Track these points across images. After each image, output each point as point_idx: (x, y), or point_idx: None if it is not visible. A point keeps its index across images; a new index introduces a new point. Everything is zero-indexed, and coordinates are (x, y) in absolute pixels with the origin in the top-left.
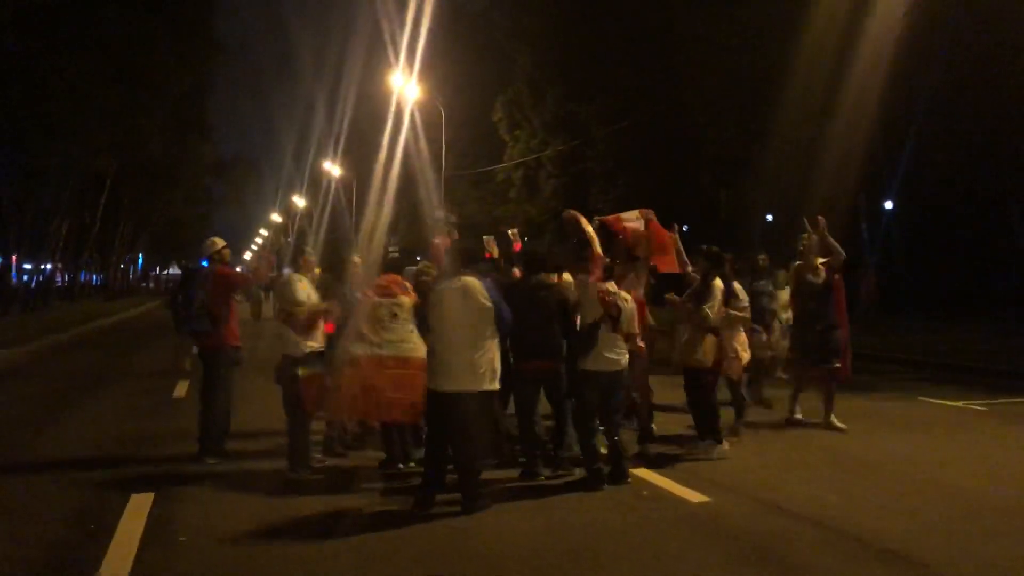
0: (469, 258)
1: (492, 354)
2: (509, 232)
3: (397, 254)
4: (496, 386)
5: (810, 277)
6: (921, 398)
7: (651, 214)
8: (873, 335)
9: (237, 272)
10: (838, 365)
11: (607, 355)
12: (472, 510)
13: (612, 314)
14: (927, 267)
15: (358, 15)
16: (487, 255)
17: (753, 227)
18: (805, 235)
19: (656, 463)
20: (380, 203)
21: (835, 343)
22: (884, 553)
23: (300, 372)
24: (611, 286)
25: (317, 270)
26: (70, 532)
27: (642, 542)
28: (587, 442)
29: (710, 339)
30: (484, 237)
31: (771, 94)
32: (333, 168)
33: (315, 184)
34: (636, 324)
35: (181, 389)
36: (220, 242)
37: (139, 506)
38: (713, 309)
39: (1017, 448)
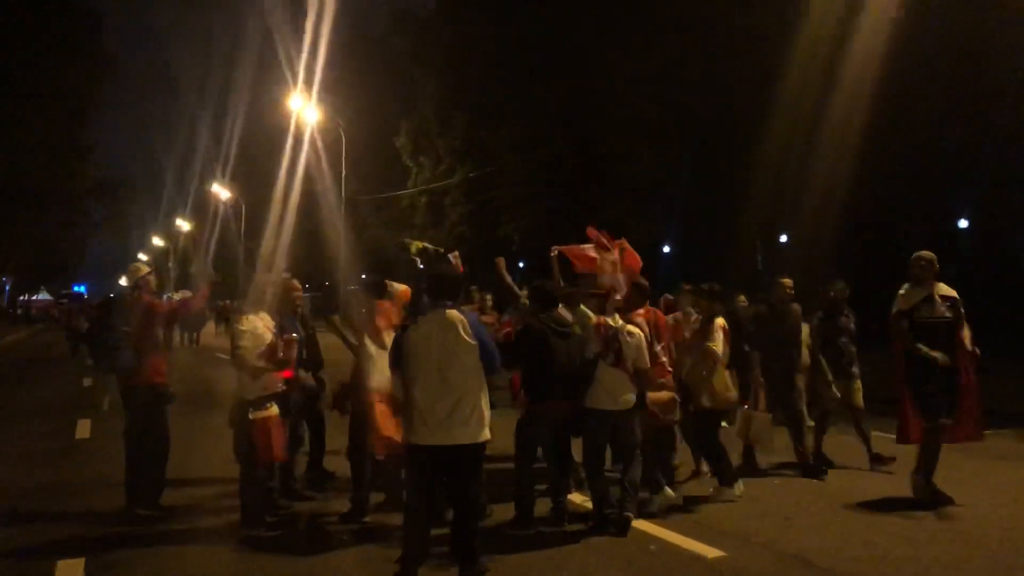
0: (448, 285)
1: (481, 399)
2: (451, 256)
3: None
4: (487, 436)
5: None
6: (876, 432)
7: (624, 243)
8: None
9: (165, 302)
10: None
11: (615, 394)
12: (473, 574)
13: (612, 349)
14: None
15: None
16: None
17: (658, 257)
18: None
19: (653, 513)
20: (278, 227)
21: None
22: None
23: (252, 416)
24: (614, 319)
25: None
26: None
27: None
28: (594, 483)
29: (722, 377)
30: (451, 255)
31: (687, 124)
32: (221, 191)
33: (201, 207)
34: (646, 358)
35: (84, 429)
36: (145, 268)
37: (70, 574)
38: (718, 347)
39: (1002, 487)
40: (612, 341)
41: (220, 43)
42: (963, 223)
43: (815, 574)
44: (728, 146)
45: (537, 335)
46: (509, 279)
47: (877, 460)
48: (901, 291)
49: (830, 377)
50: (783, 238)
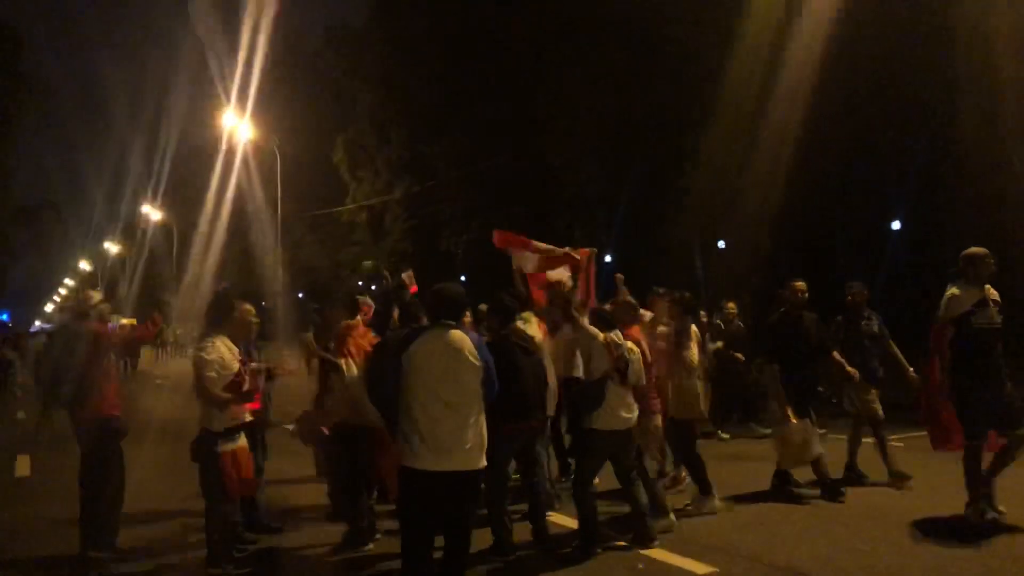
0: (452, 306)
1: (482, 424)
2: (403, 275)
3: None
4: (484, 463)
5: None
6: (831, 435)
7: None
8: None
9: (115, 331)
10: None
11: (620, 413)
12: None
13: (620, 367)
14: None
15: (181, 53)
16: (412, 290)
17: (600, 266)
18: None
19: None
20: (207, 247)
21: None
22: None
23: (220, 448)
24: (617, 336)
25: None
26: None
27: None
28: (586, 507)
29: (693, 387)
30: (404, 274)
31: (627, 137)
32: (152, 212)
33: (130, 230)
34: (643, 376)
35: (24, 465)
36: (96, 295)
37: None
38: (693, 354)
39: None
40: (620, 360)
41: (150, 61)
42: (896, 224)
43: None
44: (668, 155)
45: (505, 352)
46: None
47: (898, 478)
48: (950, 293)
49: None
50: (721, 244)
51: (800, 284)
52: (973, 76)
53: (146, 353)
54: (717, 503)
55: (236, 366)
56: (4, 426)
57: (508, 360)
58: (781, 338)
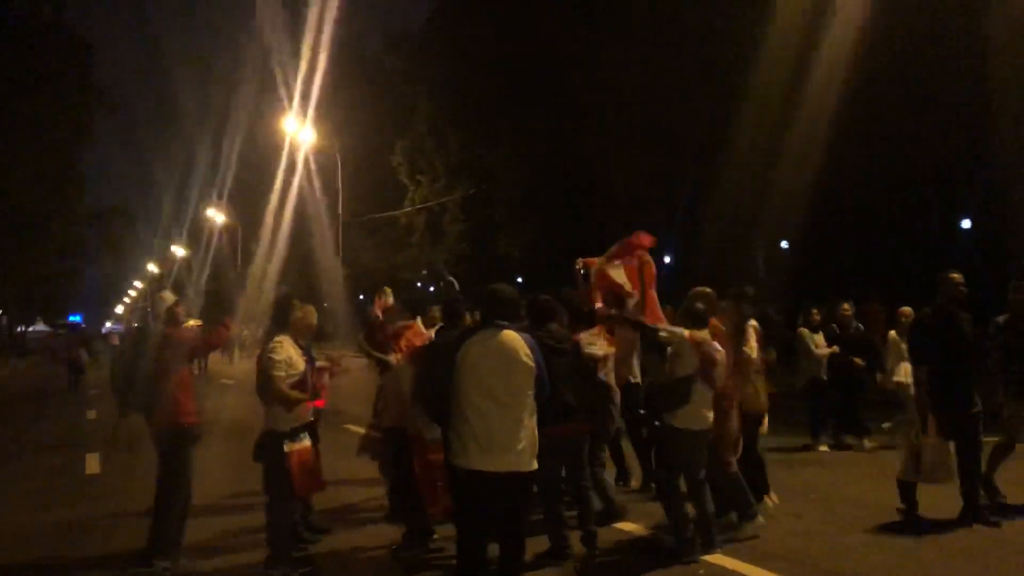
0: (506, 307)
1: (534, 426)
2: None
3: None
4: (535, 465)
5: None
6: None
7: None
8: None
9: (188, 335)
10: None
11: (704, 412)
12: None
13: (707, 367)
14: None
15: (246, 60)
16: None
17: (660, 268)
18: None
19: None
20: (270, 250)
21: None
22: None
23: (288, 448)
24: (705, 335)
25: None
26: None
27: None
28: (677, 507)
29: (759, 385)
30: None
31: (685, 139)
32: (217, 215)
33: (196, 233)
34: (724, 376)
35: (93, 463)
36: (171, 297)
37: None
38: (753, 351)
39: None
40: (708, 359)
41: (215, 68)
42: (966, 223)
43: None
44: (728, 154)
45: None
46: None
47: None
48: None
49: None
50: (784, 244)
51: (957, 276)
52: None
53: (213, 355)
54: (769, 504)
55: (302, 365)
56: (75, 425)
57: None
58: (933, 337)
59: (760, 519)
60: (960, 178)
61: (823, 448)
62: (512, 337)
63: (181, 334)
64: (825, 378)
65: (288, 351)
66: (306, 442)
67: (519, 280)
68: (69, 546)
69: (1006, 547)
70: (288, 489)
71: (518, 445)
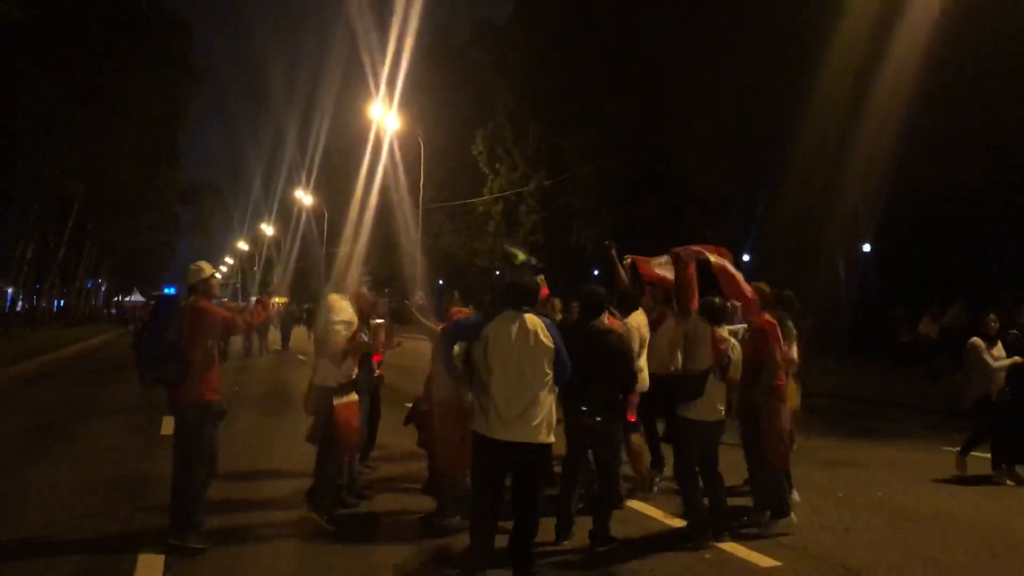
0: (527, 295)
1: (551, 403)
2: (537, 279)
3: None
4: (552, 439)
5: None
6: (943, 447)
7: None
8: (859, 377)
9: (221, 309)
10: None
11: (717, 405)
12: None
13: (723, 363)
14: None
15: (334, 45)
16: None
17: (738, 266)
18: None
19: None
20: (355, 233)
21: None
22: None
23: (336, 402)
24: (724, 332)
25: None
26: None
27: None
28: (692, 495)
29: (791, 385)
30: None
31: (765, 136)
32: (304, 197)
33: (284, 213)
34: (740, 372)
35: (168, 425)
36: (208, 268)
37: (151, 566)
38: (792, 351)
39: None
40: (724, 355)
41: (306, 51)
42: None
43: None
44: (806, 154)
45: (576, 342)
46: (620, 266)
47: None
48: None
49: None
50: (865, 247)
51: None
52: None
53: (298, 332)
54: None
55: (356, 322)
56: (157, 390)
57: (577, 351)
58: None
59: (793, 518)
60: None
61: (1010, 482)
62: (532, 319)
63: (212, 308)
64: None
65: (348, 310)
66: (353, 398)
67: (595, 272)
68: (134, 499)
69: None
70: (334, 441)
71: (534, 419)
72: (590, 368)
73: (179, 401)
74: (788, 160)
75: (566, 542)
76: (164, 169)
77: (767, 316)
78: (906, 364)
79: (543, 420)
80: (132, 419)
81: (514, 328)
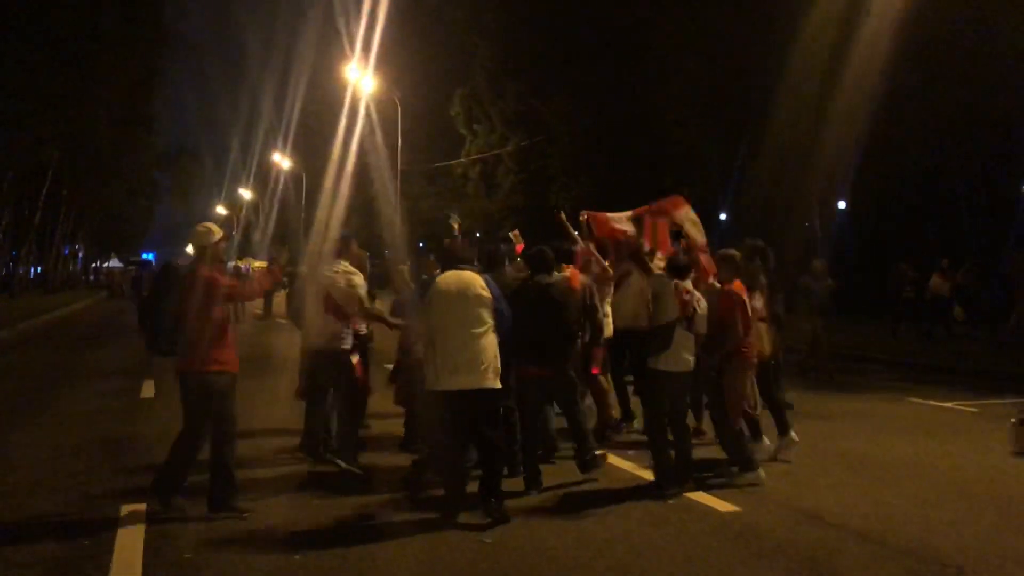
0: (456, 257)
1: (495, 350)
2: (511, 234)
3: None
4: (499, 384)
5: None
6: (910, 399)
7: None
8: (841, 334)
9: (228, 277)
10: None
11: (685, 356)
12: (498, 519)
13: (688, 315)
14: (878, 267)
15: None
16: (518, 248)
17: (715, 225)
18: None
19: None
20: (333, 196)
21: None
22: (946, 570)
23: (355, 360)
24: (688, 285)
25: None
26: (65, 551)
27: (686, 558)
28: (661, 446)
29: (764, 328)
30: (511, 232)
31: (742, 96)
32: (282, 160)
33: (263, 177)
34: (705, 326)
35: (148, 388)
36: (218, 231)
37: (133, 519)
38: (757, 301)
39: None
40: (688, 307)
41: (281, 12)
42: None
43: (823, 529)
44: (784, 112)
45: (524, 298)
46: (571, 229)
47: None
48: None
49: None
50: (841, 204)
51: None
52: None
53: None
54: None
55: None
56: (137, 354)
57: (521, 306)
58: None
59: (761, 472)
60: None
61: None
62: (469, 275)
63: (219, 276)
64: None
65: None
66: (356, 355)
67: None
68: (116, 457)
69: None
70: (354, 389)
71: (480, 366)
72: (537, 318)
73: (183, 371)
74: (764, 119)
75: (535, 491)
76: (140, 134)
77: (736, 284)
78: (914, 320)
79: (488, 366)
80: (112, 383)
81: (452, 284)
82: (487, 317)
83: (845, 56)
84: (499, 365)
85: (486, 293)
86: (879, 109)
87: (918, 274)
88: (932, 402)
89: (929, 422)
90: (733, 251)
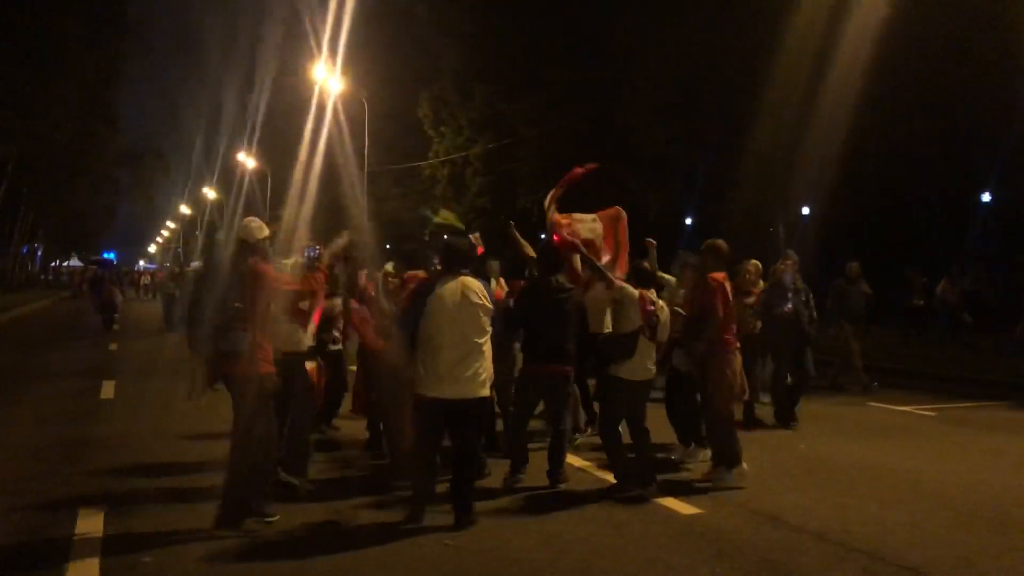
0: (463, 257)
1: (490, 359)
2: (471, 236)
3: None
4: (488, 392)
5: None
6: (870, 403)
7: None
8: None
9: (283, 275)
10: None
11: (647, 364)
12: (466, 524)
13: (651, 323)
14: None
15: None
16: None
17: (680, 230)
18: None
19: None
20: (300, 196)
21: None
22: (902, 571)
23: (310, 366)
24: (652, 294)
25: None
26: (21, 556)
27: (648, 560)
28: (617, 451)
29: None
30: (472, 235)
31: (707, 101)
32: (247, 160)
33: (227, 176)
34: (667, 334)
35: (108, 390)
36: (264, 228)
37: (91, 523)
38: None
39: (978, 453)
40: (651, 316)
41: (246, 11)
42: (986, 197)
43: (784, 531)
44: (750, 117)
45: (536, 297)
46: (523, 242)
47: None
48: None
49: None
50: (804, 210)
51: None
52: None
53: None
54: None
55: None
56: (97, 355)
57: (533, 307)
58: None
59: (744, 467)
60: (980, 154)
61: None
62: (471, 282)
63: (270, 271)
64: None
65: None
66: (314, 361)
67: (542, 236)
68: (74, 460)
69: None
70: (311, 398)
71: (479, 376)
72: (558, 318)
73: (237, 375)
74: (730, 124)
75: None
76: (102, 131)
77: (717, 274)
78: (921, 328)
79: (487, 376)
80: (70, 384)
81: (454, 292)
82: (487, 326)
83: (810, 62)
84: (492, 373)
85: (488, 303)
86: (843, 116)
87: (927, 281)
88: (891, 406)
89: (888, 426)
90: (719, 241)
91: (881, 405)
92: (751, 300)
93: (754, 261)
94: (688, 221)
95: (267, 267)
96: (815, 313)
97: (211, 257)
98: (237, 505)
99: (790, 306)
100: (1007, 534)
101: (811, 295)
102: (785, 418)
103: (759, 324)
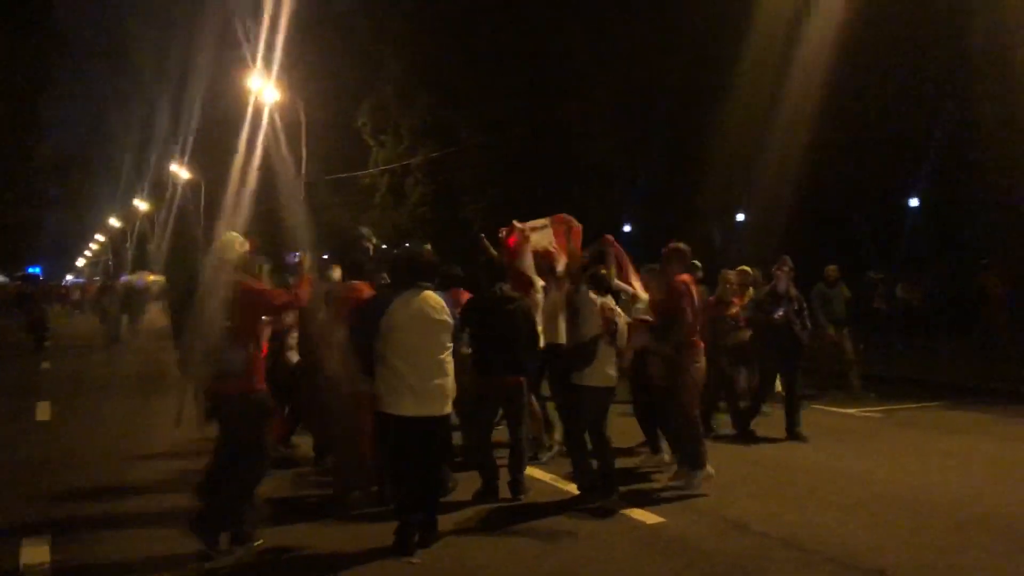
0: (427, 270)
1: (452, 375)
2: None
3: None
4: (451, 409)
5: None
6: (814, 406)
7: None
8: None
9: (273, 290)
10: None
11: (608, 371)
12: (432, 540)
13: (610, 330)
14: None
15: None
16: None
17: (619, 237)
18: None
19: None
20: (235, 207)
21: None
22: (870, 574)
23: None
24: (610, 301)
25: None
26: None
27: (617, 571)
28: (581, 459)
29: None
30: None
31: (648, 108)
32: (180, 171)
33: (159, 187)
34: (626, 340)
35: (44, 410)
36: (240, 240)
37: (36, 553)
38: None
39: (928, 455)
40: (611, 323)
41: (178, 20)
42: (914, 202)
43: (749, 538)
44: (689, 126)
45: (482, 311)
46: (492, 250)
47: None
48: None
49: None
50: (740, 217)
51: None
52: (992, 51)
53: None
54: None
55: None
56: (29, 374)
57: (481, 320)
58: None
59: (710, 468)
60: (908, 159)
61: None
62: (433, 297)
63: (261, 287)
64: None
65: None
66: None
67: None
68: (13, 486)
69: None
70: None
71: (444, 392)
72: (511, 329)
73: (229, 394)
74: (673, 133)
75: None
76: (27, 140)
77: (684, 276)
78: (884, 331)
79: (451, 392)
80: (3, 405)
81: (416, 306)
82: (448, 341)
83: (751, 73)
84: (454, 388)
85: (449, 318)
86: (779, 124)
87: (888, 285)
88: (837, 409)
89: (838, 429)
90: (681, 244)
91: (827, 408)
92: (734, 311)
93: (741, 268)
94: (627, 229)
95: (254, 282)
96: (808, 322)
97: (188, 273)
98: (218, 522)
99: (781, 312)
100: (966, 532)
101: (804, 303)
102: (796, 433)
103: (748, 333)
